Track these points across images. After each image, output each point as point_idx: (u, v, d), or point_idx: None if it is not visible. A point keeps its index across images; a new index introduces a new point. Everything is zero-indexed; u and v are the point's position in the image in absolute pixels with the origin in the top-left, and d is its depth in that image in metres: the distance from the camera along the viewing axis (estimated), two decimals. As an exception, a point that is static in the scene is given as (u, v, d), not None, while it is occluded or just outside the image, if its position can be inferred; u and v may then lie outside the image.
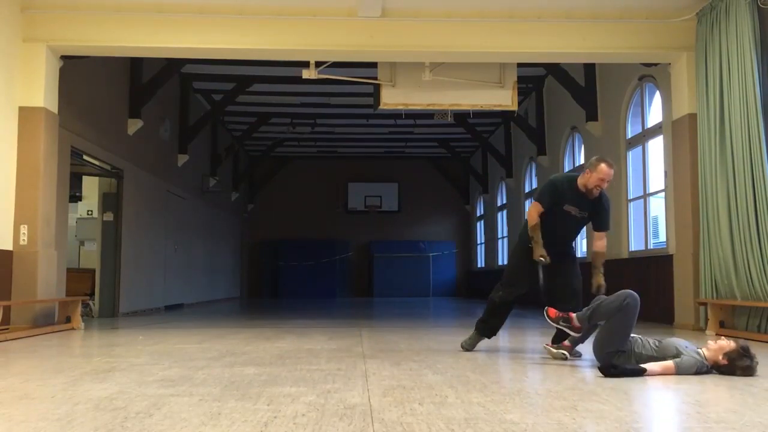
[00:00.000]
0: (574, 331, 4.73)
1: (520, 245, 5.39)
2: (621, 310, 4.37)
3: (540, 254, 5.04)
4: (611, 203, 5.40)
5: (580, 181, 5.10)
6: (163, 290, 13.07)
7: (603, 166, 4.98)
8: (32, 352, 5.57)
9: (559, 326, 4.79)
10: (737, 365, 4.11)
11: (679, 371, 4.13)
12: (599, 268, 5.11)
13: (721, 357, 4.15)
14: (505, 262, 18.01)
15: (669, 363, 4.17)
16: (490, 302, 5.44)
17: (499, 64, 9.27)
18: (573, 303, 5.09)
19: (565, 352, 4.87)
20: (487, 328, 5.50)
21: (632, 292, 4.42)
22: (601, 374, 4.13)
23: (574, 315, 4.74)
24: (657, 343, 4.33)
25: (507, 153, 17.21)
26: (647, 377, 4.05)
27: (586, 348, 4.94)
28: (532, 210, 5.21)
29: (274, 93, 14.74)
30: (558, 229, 5.20)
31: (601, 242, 5.23)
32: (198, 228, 15.99)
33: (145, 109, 11.35)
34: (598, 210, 5.18)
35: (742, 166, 6.90)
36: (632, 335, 4.42)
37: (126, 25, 8.02)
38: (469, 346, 5.49)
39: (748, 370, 4.10)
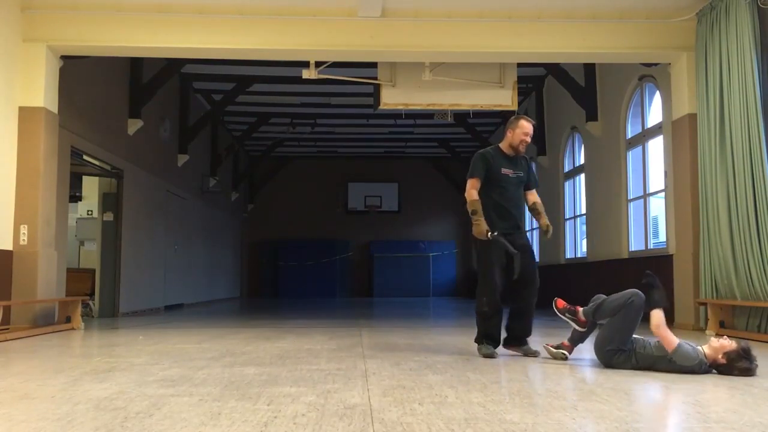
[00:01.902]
0: (579, 326, 4.73)
1: (481, 242, 5.14)
2: (625, 308, 4.38)
3: (485, 229, 5.01)
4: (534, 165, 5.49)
5: (504, 144, 5.29)
6: (163, 290, 13.06)
7: (523, 121, 5.22)
8: (32, 352, 5.57)
9: (564, 318, 4.81)
10: (736, 366, 4.11)
11: (678, 352, 4.17)
12: (542, 213, 5.34)
13: (720, 356, 4.16)
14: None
15: (675, 339, 4.21)
16: (481, 316, 5.12)
17: (499, 64, 9.27)
18: (532, 299, 5.16)
19: (565, 352, 4.87)
20: (493, 341, 5.14)
21: (638, 291, 4.43)
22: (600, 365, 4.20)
23: (580, 309, 4.76)
24: (658, 343, 4.34)
25: (507, 153, 17.17)
26: (647, 375, 4.05)
27: (587, 346, 4.94)
28: (468, 187, 5.20)
29: (274, 93, 14.73)
30: (505, 196, 5.19)
31: (533, 196, 5.43)
32: (198, 228, 15.99)
33: (145, 109, 11.35)
34: (527, 171, 5.36)
35: (742, 166, 6.90)
36: (634, 336, 4.43)
37: (126, 25, 8.02)
38: (490, 353, 5.05)
39: (746, 372, 4.10)
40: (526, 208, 5.45)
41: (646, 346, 4.36)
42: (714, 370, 4.21)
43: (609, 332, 4.45)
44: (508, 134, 5.26)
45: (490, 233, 5.00)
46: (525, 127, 5.21)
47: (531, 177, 5.42)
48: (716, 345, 4.22)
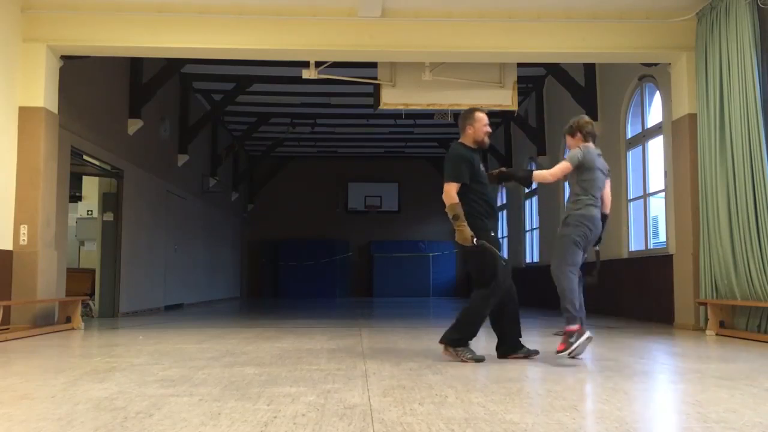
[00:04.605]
0: (586, 335, 4.67)
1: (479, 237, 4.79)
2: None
3: (470, 235, 4.67)
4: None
5: (467, 140, 5.04)
6: (163, 290, 13.06)
7: (479, 114, 5.06)
8: (32, 352, 5.57)
9: (578, 345, 4.62)
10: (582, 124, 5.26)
11: (568, 158, 5.02)
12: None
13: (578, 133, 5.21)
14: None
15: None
16: (481, 318, 4.82)
17: (499, 64, 9.27)
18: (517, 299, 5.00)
19: (589, 335, 4.76)
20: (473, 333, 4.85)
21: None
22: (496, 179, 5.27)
23: (570, 327, 4.71)
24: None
25: (507, 153, 17.21)
26: (647, 375, 4.05)
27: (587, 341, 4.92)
28: (449, 190, 4.83)
29: (274, 93, 14.74)
30: (487, 193, 4.97)
31: None
32: (198, 228, 15.99)
33: (145, 109, 11.35)
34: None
35: (742, 166, 6.90)
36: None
37: (126, 25, 8.02)
38: (481, 357, 4.80)
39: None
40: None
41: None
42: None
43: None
44: (469, 130, 5.02)
45: (475, 239, 4.70)
46: (484, 118, 5.05)
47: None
48: (572, 143, 5.22)
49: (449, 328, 4.92)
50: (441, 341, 4.89)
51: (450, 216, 4.80)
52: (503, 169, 5.40)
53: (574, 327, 4.69)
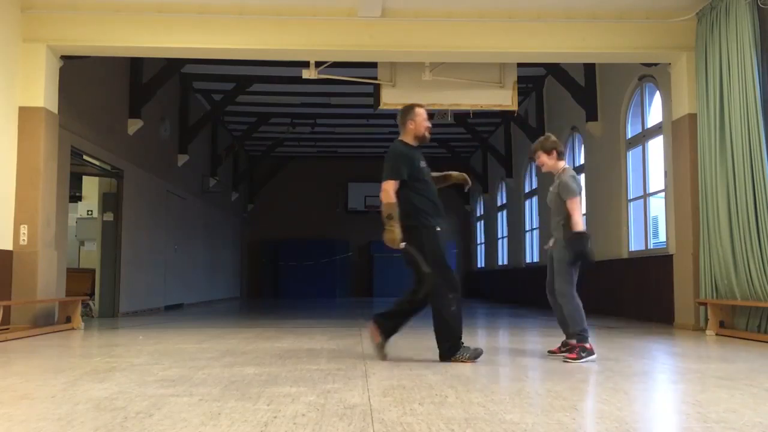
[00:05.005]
0: (594, 356, 4.85)
1: (427, 234, 4.82)
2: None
3: (399, 238, 4.65)
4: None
5: (409, 137, 4.98)
6: (163, 290, 13.06)
7: (418, 109, 5.02)
8: (32, 352, 5.57)
9: (586, 359, 4.75)
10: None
11: (561, 187, 5.04)
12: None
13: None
14: (506, 262, 18.02)
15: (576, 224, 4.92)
16: (453, 317, 4.75)
17: (499, 64, 9.27)
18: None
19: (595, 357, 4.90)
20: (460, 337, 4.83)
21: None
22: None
23: (571, 342, 4.95)
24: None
25: (507, 153, 17.21)
26: (647, 375, 4.05)
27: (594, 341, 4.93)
28: (387, 188, 4.74)
29: (274, 93, 14.74)
30: (432, 190, 4.90)
31: None
32: (198, 228, 15.99)
33: (145, 109, 11.35)
34: None
35: (742, 166, 6.90)
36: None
37: (126, 25, 8.02)
38: (479, 352, 4.82)
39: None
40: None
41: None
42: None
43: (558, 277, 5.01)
44: (410, 126, 4.96)
45: (402, 243, 4.66)
46: (424, 113, 5.00)
47: None
48: (548, 161, 5.31)
49: (438, 345, 4.83)
50: (441, 359, 4.79)
51: (384, 215, 4.72)
52: (575, 255, 4.99)
53: (588, 345, 4.86)
